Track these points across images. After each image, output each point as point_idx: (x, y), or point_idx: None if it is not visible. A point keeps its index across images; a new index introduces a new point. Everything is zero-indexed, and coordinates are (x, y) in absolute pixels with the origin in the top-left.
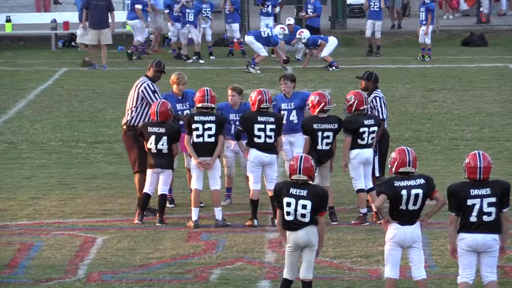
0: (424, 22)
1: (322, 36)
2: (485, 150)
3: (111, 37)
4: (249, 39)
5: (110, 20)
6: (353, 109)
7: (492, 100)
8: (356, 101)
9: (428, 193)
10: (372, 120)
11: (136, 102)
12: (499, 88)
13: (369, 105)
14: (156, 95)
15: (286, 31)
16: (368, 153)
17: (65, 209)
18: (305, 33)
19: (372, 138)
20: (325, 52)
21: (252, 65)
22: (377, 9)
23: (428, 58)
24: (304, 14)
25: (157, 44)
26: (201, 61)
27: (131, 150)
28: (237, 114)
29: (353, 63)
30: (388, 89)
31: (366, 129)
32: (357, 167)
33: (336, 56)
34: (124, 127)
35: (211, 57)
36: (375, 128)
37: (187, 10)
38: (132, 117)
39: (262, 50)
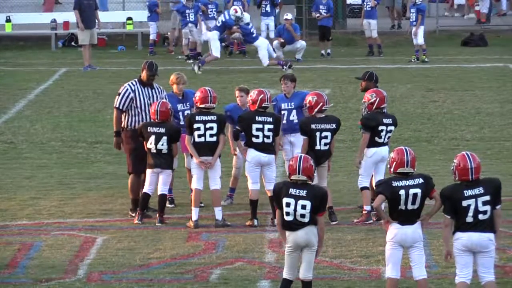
0: (414, 23)
1: (255, 36)
2: (485, 150)
3: (96, 37)
4: (212, 35)
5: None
6: (373, 107)
7: (492, 100)
8: (378, 99)
9: (427, 192)
10: (391, 119)
11: None
12: (499, 88)
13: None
14: (118, 97)
15: (239, 13)
16: (385, 151)
17: (65, 209)
18: (245, 16)
19: (389, 137)
20: (265, 59)
21: (200, 64)
22: (369, 8)
23: (426, 59)
24: (318, 15)
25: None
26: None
27: (125, 152)
28: None
29: (353, 63)
30: (388, 89)
31: (384, 127)
32: (370, 166)
33: (336, 56)
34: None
35: None
36: (393, 128)
37: (187, 10)
38: (123, 122)
39: (217, 50)
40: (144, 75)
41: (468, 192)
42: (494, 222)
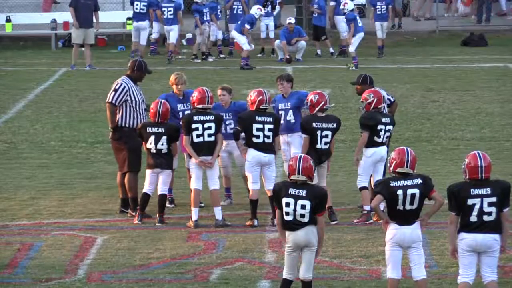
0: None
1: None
2: (485, 150)
3: (94, 37)
4: (233, 33)
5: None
6: (371, 107)
7: (492, 100)
8: (375, 99)
9: (425, 193)
10: (389, 119)
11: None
12: (499, 88)
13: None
14: (114, 93)
15: (262, 12)
16: (384, 150)
17: (65, 209)
18: (349, 5)
19: (387, 136)
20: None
21: (244, 61)
22: (384, 11)
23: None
24: (316, 7)
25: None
26: (210, 59)
27: (119, 152)
28: (227, 114)
29: None
30: (388, 89)
31: (383, 127)
32: (369, 166)
33: (336, 56)
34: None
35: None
36: (391, 127)
37: (204, 10)
38: (117, 119)
39: (246, 45)
40: (136, 74)
41: (475, 191)
42: (501, 224)
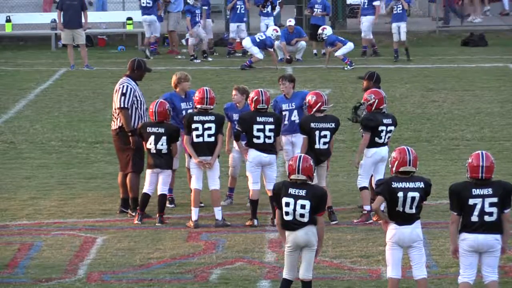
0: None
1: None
2: (485, 150)
3: (85, 37)
4: (246, 42)
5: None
6: (373, 108)
7: (492, 100)
8: (377, 100)
9: (424, 197)
10: (390, 119)
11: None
12: (499, 88)
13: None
14: (123, 97)
15: (279, 32)
16: (385, 151)
17: (65, 209)
18: (327, 30)
19: (389, 137)
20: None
21: (248, 63)
22: (400, 11)
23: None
24: (309, 11)
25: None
26: (210, 59)
27: (122, 152)
28: None
29: (353, 63)
30: (388, 89)
31: (384, 127)
32: (369, 166)
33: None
34: (114, 130)
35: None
36: (392, 128)
37: (197, 11)
38: (120, 119)
39: (258, 54)
40: (137, 73)
41: (476, 191)
42: (502, 225)
